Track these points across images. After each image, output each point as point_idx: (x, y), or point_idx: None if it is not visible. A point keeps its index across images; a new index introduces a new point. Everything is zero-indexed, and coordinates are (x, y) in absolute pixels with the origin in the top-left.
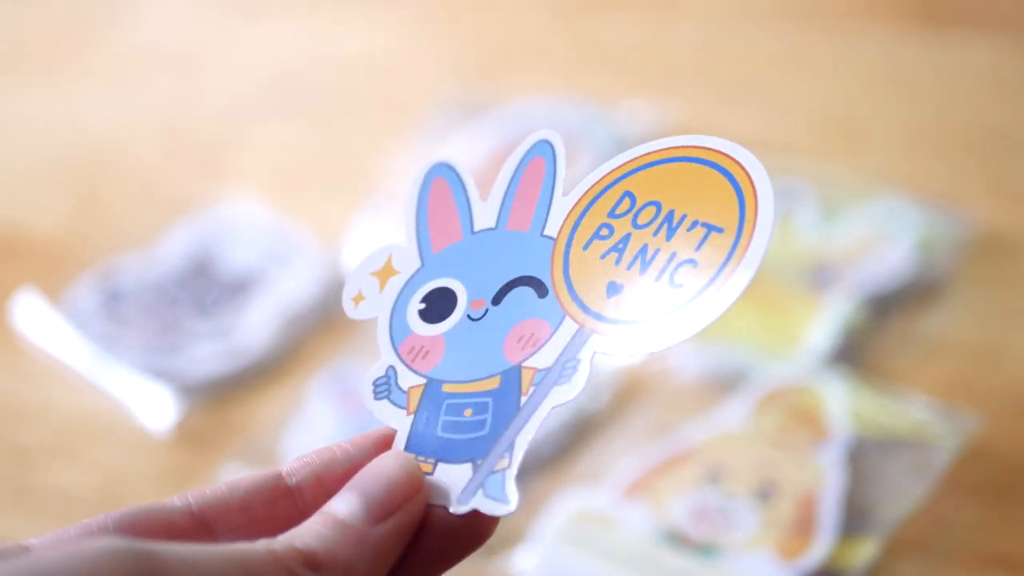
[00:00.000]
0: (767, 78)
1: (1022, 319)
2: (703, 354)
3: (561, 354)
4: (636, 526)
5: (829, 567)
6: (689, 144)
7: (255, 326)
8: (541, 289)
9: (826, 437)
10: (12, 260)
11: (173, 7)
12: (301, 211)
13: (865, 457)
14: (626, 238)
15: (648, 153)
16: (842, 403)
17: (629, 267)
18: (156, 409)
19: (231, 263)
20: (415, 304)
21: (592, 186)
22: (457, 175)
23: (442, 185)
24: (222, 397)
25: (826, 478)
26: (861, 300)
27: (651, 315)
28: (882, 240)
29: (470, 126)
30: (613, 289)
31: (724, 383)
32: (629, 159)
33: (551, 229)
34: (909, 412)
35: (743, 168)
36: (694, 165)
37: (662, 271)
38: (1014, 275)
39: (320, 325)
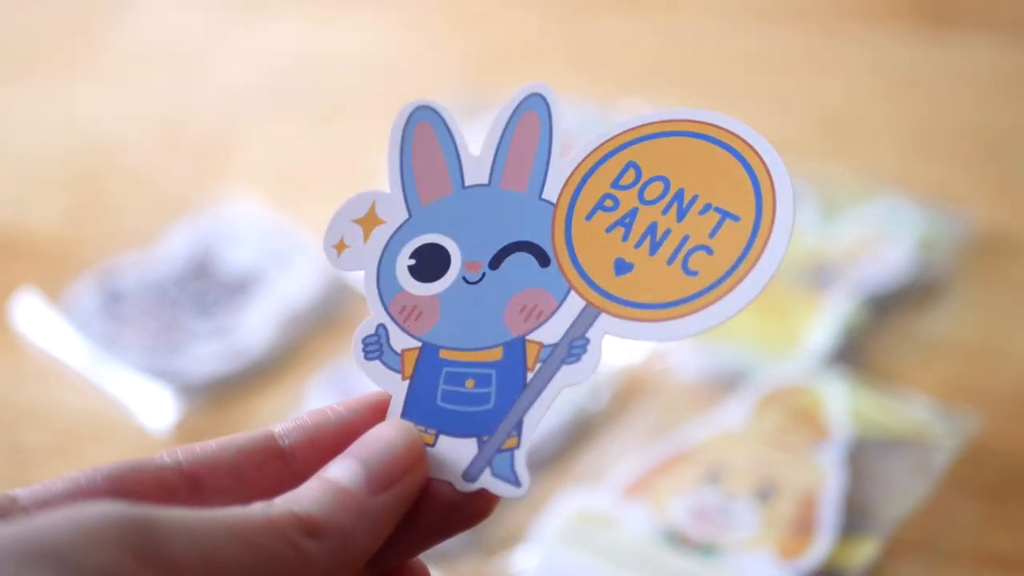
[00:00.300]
0: (767, 78)
1: (1022, 319)
2: (703, 354)
3: (568, 330)
4: (636, 526)
5: (829, 567)
6: (698, 119)
7: (255, 326)
8: (543, 257)
9: (826, 437)
10: (12, 260)
11: (173, 7)
12: (301, 211)
13: (865, 457)
14: (632, 212)
15: (653, 123)
16: (842, 403)
17: (638, 245)
18: (156, 409)
19: (231, 263)
20: (404, 259)
21: (593, 151)
22: (442, 120)
23: (426, 130)
24: (222, 397)
25: (826, 478)
26: (861, 300)
27: (665, 300)
28: (882, 240)
29: (470, 126)
30: (622, 267)
31: (724, 383)
32: (633, 126)
33: (550, 193)
34: (909, 412)
35: (756, 152)
36: (703, 143)
37: (674, 254)
38: (1014, 275)
39: (320, 325)
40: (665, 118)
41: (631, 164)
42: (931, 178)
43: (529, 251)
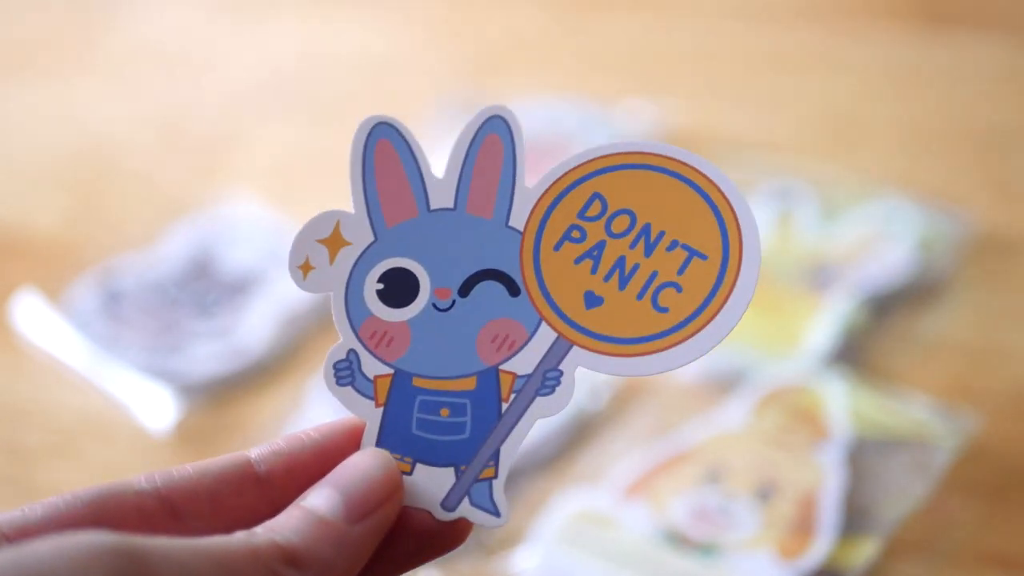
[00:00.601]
0: (767, 78)
1: (1022, 319)
2: None
3: (541, 362)
4: (636, 526)
5: (829, 567)
6: (661, 153)
7: (255, 326)
8: (512, 287)
9: (826, 437)
10: (12, 260)
11: (173, 7)
12: (301, 211)
13: (865, 457)
14: (600, 245)
15: (617, 154)
16: (842, 403)
17: (607, 279)
18: (156, 409)
19: (231, 263)
20: (372, 283)
21: (558, 179)
22: (402, 138)
23: (387, 149)
24: (222, 397)
25: (826, 478)
26: (861, 300)
27: (636, 336)
28: (882, 240)
29: None
30: (592, 300)
31: (724, 383)
32: (597, 156)
33: (516, 221)
34: (909, 412)
35: (720, 191)
36: (667, 177)
37: (644, 290)
38: (1014, 275)
39: (320, 325)
40: (628, 150)
41: (597, 195)
42: (931, 178)
43: (498, 280)
